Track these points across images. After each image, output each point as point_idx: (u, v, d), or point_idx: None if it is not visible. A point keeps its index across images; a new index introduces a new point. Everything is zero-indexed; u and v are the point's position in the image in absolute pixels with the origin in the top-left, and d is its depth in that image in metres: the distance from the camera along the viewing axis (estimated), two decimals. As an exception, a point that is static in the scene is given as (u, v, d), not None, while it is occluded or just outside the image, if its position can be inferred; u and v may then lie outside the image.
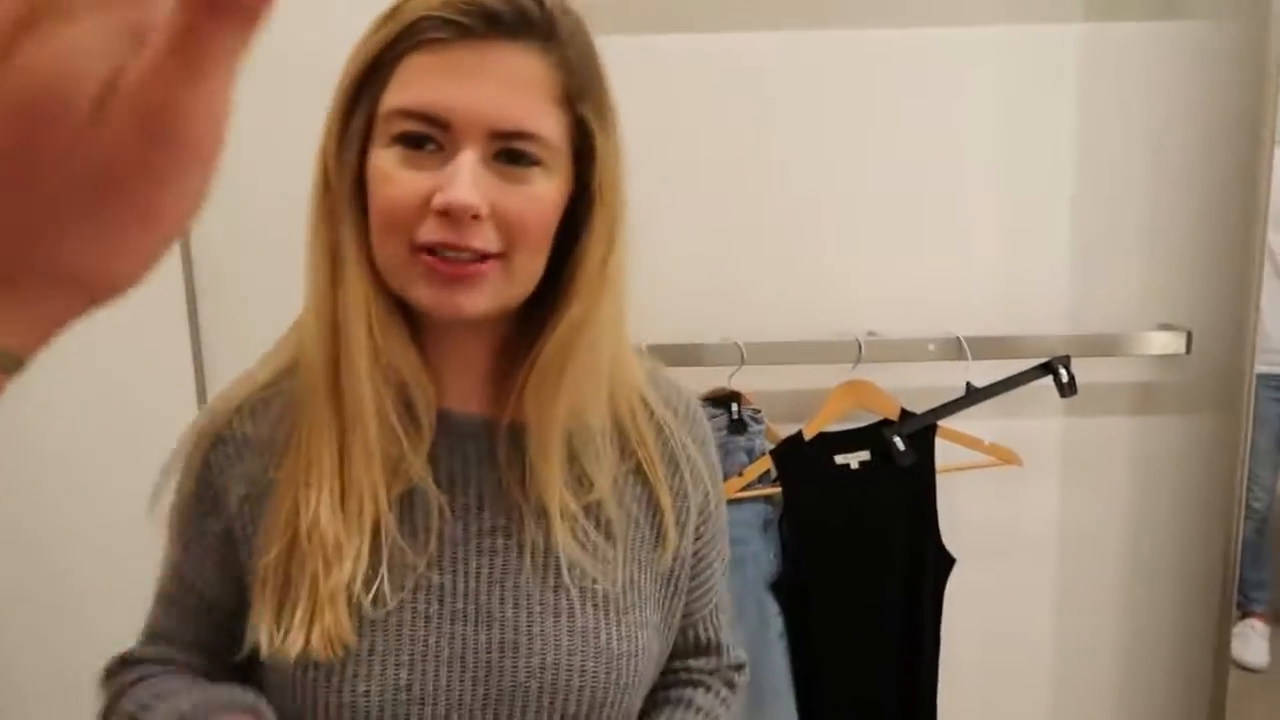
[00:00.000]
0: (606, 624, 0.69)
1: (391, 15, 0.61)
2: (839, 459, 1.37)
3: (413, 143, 0.60)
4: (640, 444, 0.73)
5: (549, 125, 0.62)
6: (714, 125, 1.37)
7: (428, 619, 0.66)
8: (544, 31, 0.61)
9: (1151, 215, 1.42)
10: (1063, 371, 1.34)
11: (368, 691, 0.64)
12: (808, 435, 1.35)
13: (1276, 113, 1.29)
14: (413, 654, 0.65)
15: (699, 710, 0.77)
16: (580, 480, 0.70)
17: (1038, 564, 1.50)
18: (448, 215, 0.59)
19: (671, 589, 0.75)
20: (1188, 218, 1.41)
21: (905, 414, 1.36)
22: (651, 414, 0.75)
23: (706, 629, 0.81)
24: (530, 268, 0.64)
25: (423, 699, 0.65)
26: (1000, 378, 1.35)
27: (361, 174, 0.62)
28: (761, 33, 1.38)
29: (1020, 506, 1.48)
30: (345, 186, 0.63)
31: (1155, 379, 1.46)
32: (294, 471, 0.65)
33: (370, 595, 0.64)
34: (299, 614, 0.62)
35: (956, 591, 1.41)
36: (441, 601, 0.66)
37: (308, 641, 0.62)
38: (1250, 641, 1.51)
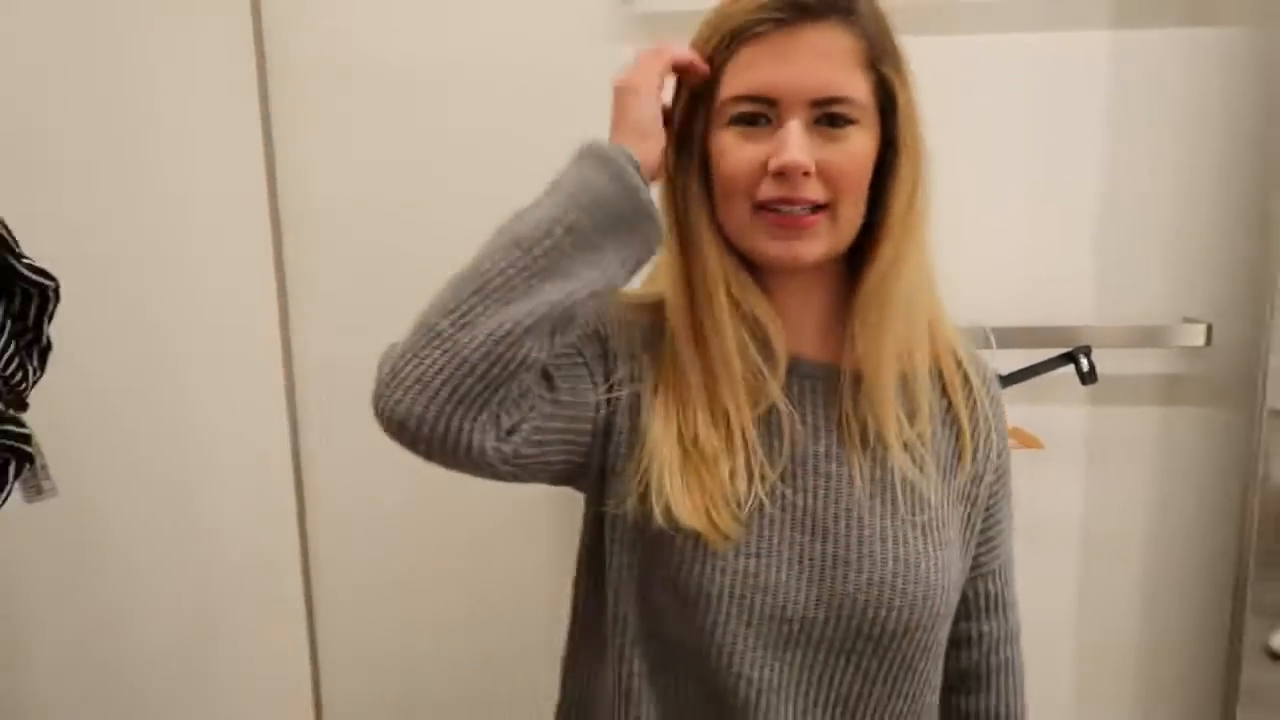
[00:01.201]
0: (926, 554, 0.78)
1: (722, 20, 0.73)
2: (869, 439, 1.46)
3: (747, 121, 0.72)
4: (952, 390, 0.83)
5: (858, 87, 0.73)
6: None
7: (773, 521, 0.77)
8: (844, 9, 0.72)
9: (1176, 213, 1.48)
10: (1083, 360, 1.41)
11: (722, 570, 0.75)
12: (839, 416, 1.44)
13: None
14: (759, 549, 0.76)
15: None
16: (910, 415, 0.79)
17: (1060, 545, 1.58)
18: (783, 175, 0.71)
19: (969, 534, 0.84)
20: (1212, 216, 1.47)
21: (932, 398, 1.45)
22: (962, 367, 0.85)
23: (995, 582, 0.89)
24: (852, 216, 0.75)
25: (764, 588, 0.75)
26: (1022, 366, 1.43)
27: (704, 157, 0.75)
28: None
29: (1043, 490, 1.55)
30: (694, 169, 0.76)
31: (1179, 371, 1.52)
32: (668, 394, 0.76)
33: (747, 496, 0.75)
34: (697, 503, 0.73)
35: (980, 568, 1.49)
36: (784, 509, 0.77)
37: (702, 524, 0.73)
38: None
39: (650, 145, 0.75)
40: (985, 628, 0.89)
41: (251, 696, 1.67)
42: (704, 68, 0.75)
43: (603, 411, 0.77)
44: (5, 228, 0.85)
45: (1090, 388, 1.45)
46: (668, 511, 0.73)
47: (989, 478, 0.85)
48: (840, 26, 0.72)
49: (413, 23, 1.50)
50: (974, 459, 0.83)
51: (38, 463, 0.86)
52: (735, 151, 0.73)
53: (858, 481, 0.78)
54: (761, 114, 0.72)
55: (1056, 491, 1.56)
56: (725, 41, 0.73)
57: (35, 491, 0.88)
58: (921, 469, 0.79)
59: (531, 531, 1.62)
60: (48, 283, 0.90)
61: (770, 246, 0.74)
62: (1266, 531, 1.47)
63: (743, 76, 0.72)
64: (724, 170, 0.73)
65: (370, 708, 1.69)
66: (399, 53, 1.51)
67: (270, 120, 1.53)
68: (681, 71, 0.77)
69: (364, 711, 1.70)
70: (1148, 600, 1.59)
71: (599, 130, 1.51)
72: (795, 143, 0.70)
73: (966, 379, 0.84)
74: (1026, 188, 1.49)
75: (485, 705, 1.68)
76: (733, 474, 0.75)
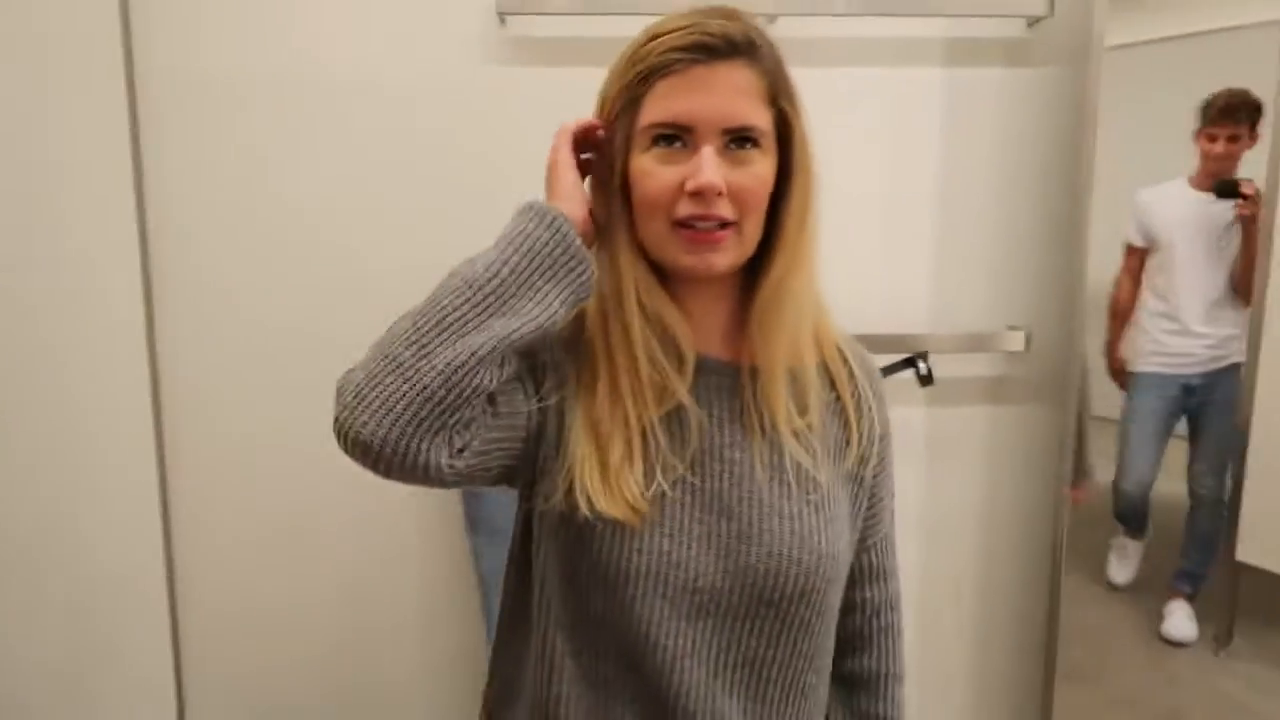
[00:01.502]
0: (818, 528, 0.87)
1: (639, 58, 0.81)
2: (732, 440, 1.57)
3: (666, 144, 0.81)
4: (839, 384, 0.92)
5: (761, 118, 0.82)
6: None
7: (684, 506, 0.85)
8: (748, 51, 0.81)
9: (999, 232, 1.66)
10: (921, 365, 1.57)
11: (640, 550, 0.83)
12: (706, 419, 1.55)
13: (1095, 150, 1.54)
14: (672, 530, 0.84)
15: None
16: (800, 407, 0.89)
17: (903, 532, 1.72)
18: (699, 195, 0.80)
19: (856, 510, 0.94)
20: (1030, 235, 1.66)
21: (789, 401, 1.57)
22: (847, 364, 0.94)
23: (877, 554, 1.00)
24: (754, 231, 0.84)
25: (678, 564, 0.84)
26: (870, 370, 1.58)
27: (624, 178, 0.84)
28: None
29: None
30: (614, 188, 0.84)
31: (1002, 373, 1.70)
32: (586, 396, 0.86)
33: (649, 485, 0.84)
34: (614, 493, 0.83)
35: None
36: (694, 495, 0.86)
37: (621, 511, 0.82)
38: (1122, 566, 1.76)
39: (576, 206, 0.84)
40: (868, 594, 1.00)
41: (117, 684, 1.64)
42: (599, 126, 0.86)
43: (534, 420, 0.85)
44: None
45: (927, 390, 1.60)
46: (590, 503, 0.83)
47: (873, 460, 0.94)
48: (745, 65, 0.81)
49: (294, 37, 1.52)
50: (859, 443, 0.92)
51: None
52: (656, 174, 0.82)
53: (758, 467, 0.87)
54: (678, 138, 0.81)
55: (900, 484, 1.70)
56: (642, 76, 0.82)
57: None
58: (812, 454, 0.89)
59: (400, 519, 1.66)
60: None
61: (685, 259, 0.83)
62: (1078, 517, 1.68)
63: (661, 105, 0.81)
64: (645, 191, 0.82)
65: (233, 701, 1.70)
66: (277, 65, 1.52)
67: (138, 125, 1.52)
68: (584, 134, 0.88)
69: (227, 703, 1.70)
70: (979, 577, 1.77)
71: (476, 141, 1.57)
72: (710, 167, 0.80)
73: (851, 373, 0.94)
74: (871, 209, 1.64)
75: (349, 694, 1.71)
76: (632, 466, 0.84)
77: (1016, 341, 1.63)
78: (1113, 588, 1.79)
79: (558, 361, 0.88)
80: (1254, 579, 1.76)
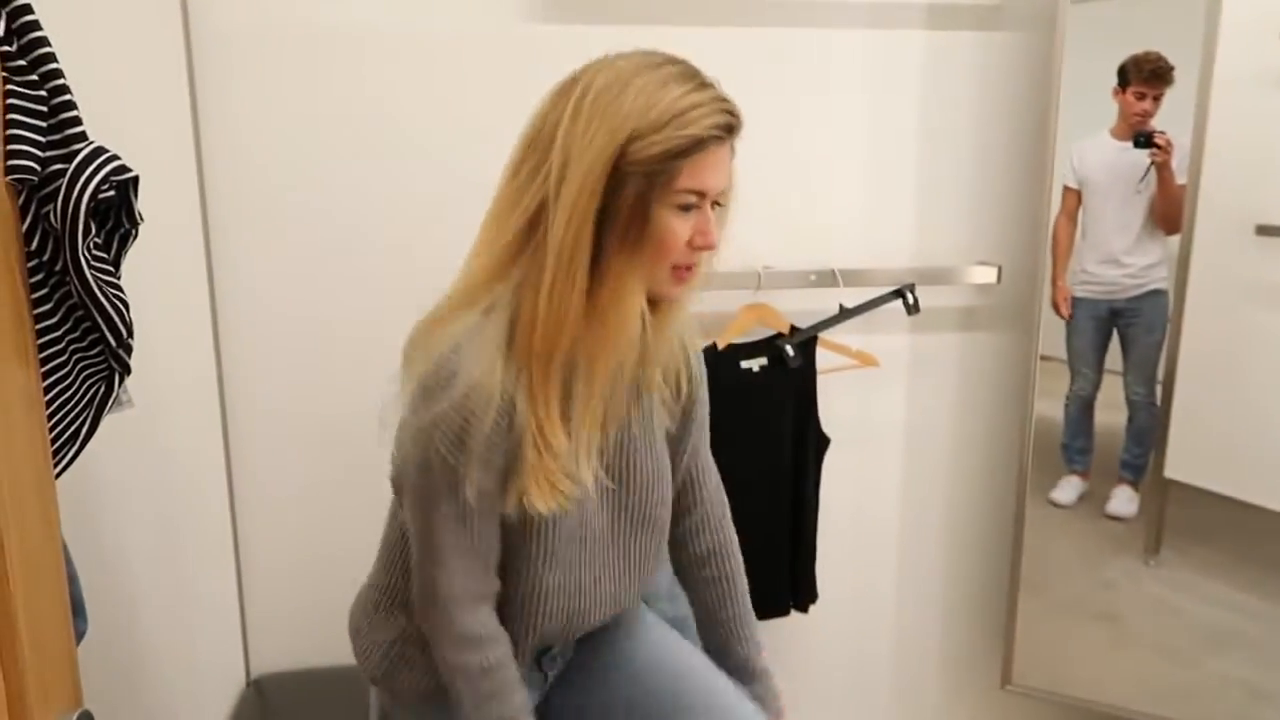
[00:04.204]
0: (667, 465, 1.17)
1: (686, 124, 0.94)
2: (743, 363, 1.77)
3: (686, 210, 0.97)
4: (682, 368, 1.16)
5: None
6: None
7: (599, 482, 1.09)
8: (739, 129, 0.98)
9: (974, 179, 1.87)
10: (909, 295, 1.77)
11: (563, 523, 1.08)
12: (720, 345, 1.74)
13: (1058, 108, 1.75)
14: (584, 499, 1.07)
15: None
16: (669, 390, 1.14)
17: (889, 441, 1.97)
18: (701, 248, 0.99)
19: (679, 448, 1.22)
20: (1000, 182, 1.87)
21: (794, 328, 1.77)
22: (687, 352, 1.18)
23: (698, 470, 1.26)
24: None
25: (591, 521, 1.11)
26: (863, 300, 1.78)
27: (644, 216, 0.96)
28: (679, 27, 1.73)
29: (877, 400, 1.93)
30: (635, 232, 0.96)
31: (976, 304, 1.93)
32: (534, 415, 1.00)
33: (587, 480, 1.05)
34: (547, 495, 1.02)
35: (829, 466, 1.84)
36: (606, 471, 1.10)
37: (557, 505, 1.03)
38: (1066, 490, 2.00)
39: None
40: (701, 494, 1.28)
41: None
42: None
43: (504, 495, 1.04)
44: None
45: (911, 318, 1.81)
46: (533, 506, 1.02)
47: (693, 417, 1.21)
48: (733, 141, 0.99)
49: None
50: (687, 406, 1.19)
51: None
52: (678, 230, 0.97)
53: (636, 429, 1.12)
54: (696, 203, 0.98)
55: (887, 401, 1.94)
56: (691, 144, 0.94)
57: (117, 403, 0.99)
58: (672, 417, 1.16)
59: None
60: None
61: (672, 291, 1.02)
62: (1041, 431, 1.91)
63: (695, 174, 0.95)
64: (669, 243, 0.97)
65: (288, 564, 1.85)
66: (324, 18, 1.64)
67: (195, 84, 1.62)
68: None
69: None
70: (952, 482, 2.02)
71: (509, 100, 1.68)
72: (714, 227, 0.99)
73: (688, 359, 1.17)
74: (863, 160, 1.84)
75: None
76: (579, 465, 1.04)
77: (989, 275, 1.84)
78: (1055, 506, 2.03)
79: (499, 431, 1.00)
80: (1180, 494, 1.99)
